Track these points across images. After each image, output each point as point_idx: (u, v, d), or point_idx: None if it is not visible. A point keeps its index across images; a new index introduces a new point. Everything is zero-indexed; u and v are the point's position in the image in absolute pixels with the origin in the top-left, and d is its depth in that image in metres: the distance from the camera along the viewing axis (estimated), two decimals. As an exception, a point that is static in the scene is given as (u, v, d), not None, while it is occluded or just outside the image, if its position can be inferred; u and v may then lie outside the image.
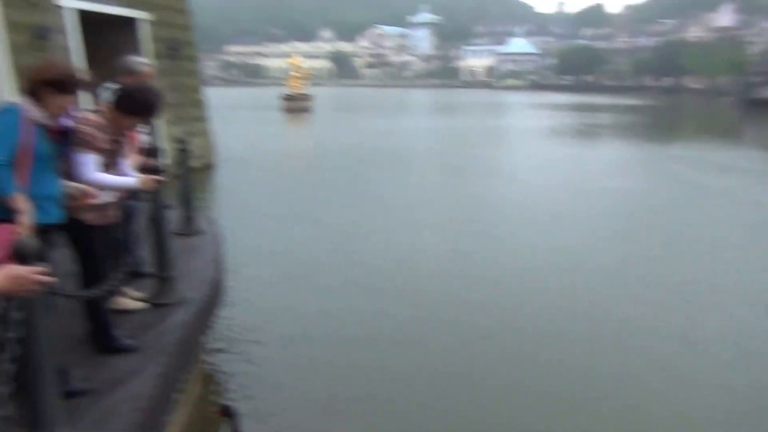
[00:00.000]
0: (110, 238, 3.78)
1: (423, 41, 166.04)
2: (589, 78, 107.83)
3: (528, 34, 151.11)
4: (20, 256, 2.24)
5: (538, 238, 10.13)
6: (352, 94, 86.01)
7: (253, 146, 23.12)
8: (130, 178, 3.76)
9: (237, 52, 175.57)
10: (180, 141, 6.32)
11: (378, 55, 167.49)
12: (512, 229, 10.72)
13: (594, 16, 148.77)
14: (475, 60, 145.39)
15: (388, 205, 12.81)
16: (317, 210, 12.20)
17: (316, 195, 13.94)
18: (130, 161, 4.00)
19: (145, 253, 4.71)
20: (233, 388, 5.22)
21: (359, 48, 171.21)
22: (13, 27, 11.55)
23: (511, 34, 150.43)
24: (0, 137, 2.91)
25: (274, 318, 6.71)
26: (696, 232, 10.76)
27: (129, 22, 15.07)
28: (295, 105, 44.22)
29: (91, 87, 3.63)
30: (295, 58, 51.00)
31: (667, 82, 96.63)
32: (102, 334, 3.65)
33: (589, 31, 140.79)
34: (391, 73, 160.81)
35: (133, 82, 4.09)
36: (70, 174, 3.40)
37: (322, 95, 56.53)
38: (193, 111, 17.56)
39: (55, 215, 3.15)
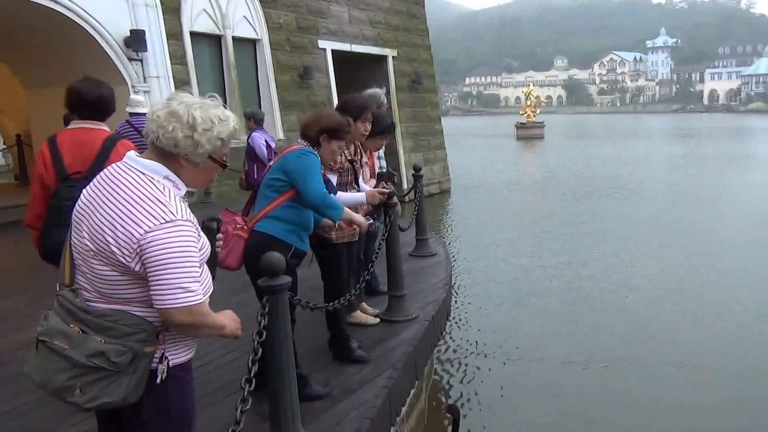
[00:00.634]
0: (351, 256, 4.05)
1: (661, 65, 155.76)
2: None
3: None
4: (269, 270, 2.48)
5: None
6: (585, 121, 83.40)
7: (485, 173, 23.50)
8: (359, 194, 3.97)
9: (474, 83, 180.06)
10: (415, 167, 6.59)
11: (612, 81, 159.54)
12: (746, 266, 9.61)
13: None
14: (717, 83, 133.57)
15: (609, 234, 12.51)
16: (540, 237, 12.27)
17: (542, 222, 13.82)
18: (367, 184, 4.26)
19: (379, 272, 4.96)
20: (456, 396, 5.68)
21: (593, 75, 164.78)
22: (280, 68, 13.24)
23: (760, 54, 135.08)
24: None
25: (495, 335, 7.14)
26: None
27: (377, 59, 16.33)
28: (528, 133, 44.11)
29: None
30: (528, 87, 50.80)
31: None
32: (339, 344, 3.90)
33: None
34: (625, 99, 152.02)
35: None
36: None
37: (555, 122, 55.49)
38: (432, 140, 18.32)
39: (308, 243, 3.47)
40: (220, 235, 2.21)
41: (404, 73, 17.15)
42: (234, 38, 12.21)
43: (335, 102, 13.33)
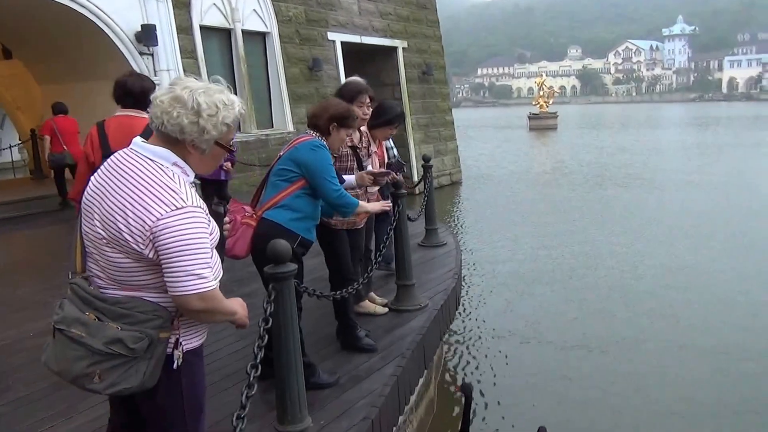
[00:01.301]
0: (355, 242, 4.07)
1: (678, 53, 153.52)
2: None
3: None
4: (275, 257, 2.51)
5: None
6: (600, 111, 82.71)
7: (496, 164, 23.42)
8: (349, 176, 3.92)
9: (487, 74, 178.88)
10: (424, 158, 6.60)
11: (628, 71, 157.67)
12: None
13: None
14: (737, 71, 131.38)
15: (619, 223, 12.46)
16: (548, 226, 12.26)
17: (550, 212, 13.77)
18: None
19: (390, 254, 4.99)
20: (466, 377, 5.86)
21: (608, 64, 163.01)
22: (290, 60, 13.25)
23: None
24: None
25: (505, 322, 7.28)
26: None
27: (387, 50, 16.28)
28: (541, 123, 43.80)
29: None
30: (541, 78, 50.44)
31: None
32: (347, 332, 3.93)
33: None
34: (641, 88, 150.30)
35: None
36: None
37: (569, 113, 55.14)
38: (443, 131, 18.27)
39: (315, 234, 3.48)
40: (227, 218, 2.24)
41: (414, 65, 17.09)
42: (244, 32, 12.24)
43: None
